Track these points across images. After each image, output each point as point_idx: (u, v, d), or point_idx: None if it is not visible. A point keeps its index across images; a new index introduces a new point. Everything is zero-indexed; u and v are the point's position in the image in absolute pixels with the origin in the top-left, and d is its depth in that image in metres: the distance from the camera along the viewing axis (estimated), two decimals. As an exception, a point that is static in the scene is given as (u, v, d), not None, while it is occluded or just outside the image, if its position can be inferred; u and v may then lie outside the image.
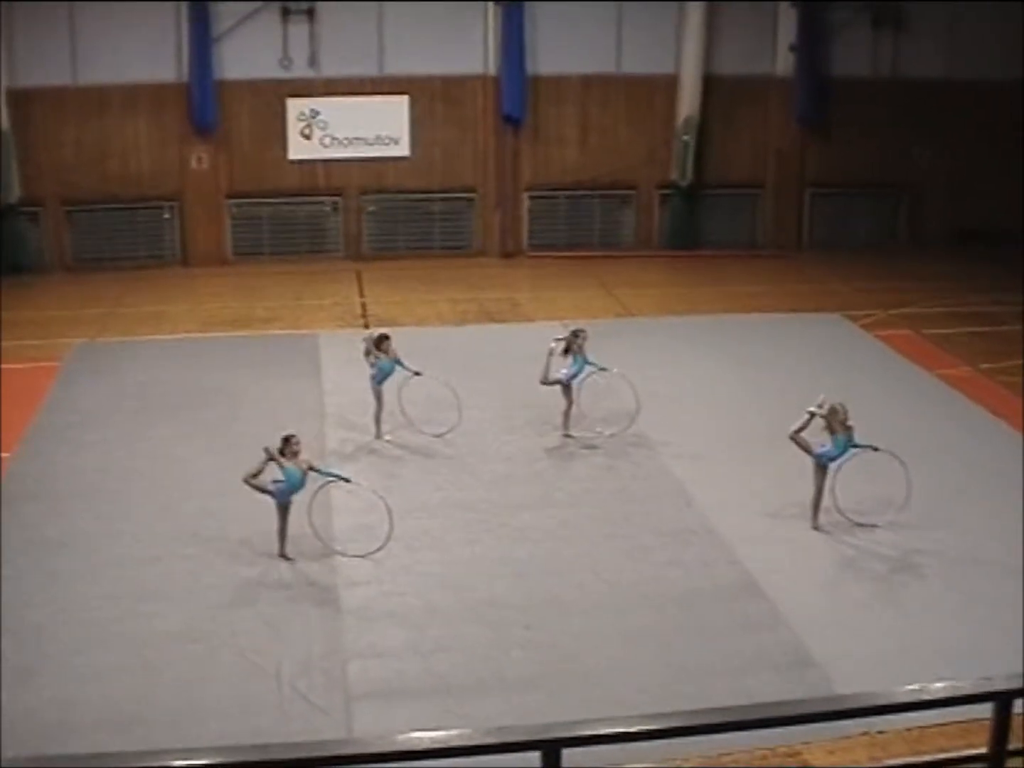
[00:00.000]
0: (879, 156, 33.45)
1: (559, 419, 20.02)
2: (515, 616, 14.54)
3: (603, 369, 19.88)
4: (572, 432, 19.96)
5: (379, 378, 19.54)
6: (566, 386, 19.76)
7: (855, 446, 16.35)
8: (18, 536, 16.08)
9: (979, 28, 32.44)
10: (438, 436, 19.64)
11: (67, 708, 12.55)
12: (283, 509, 15.61)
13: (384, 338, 19.77)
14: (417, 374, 19.59)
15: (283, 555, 15.71)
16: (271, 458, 15.49)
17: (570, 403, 19.89)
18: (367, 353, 19.66)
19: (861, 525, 16.62)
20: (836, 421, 16.27)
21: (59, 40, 29.76)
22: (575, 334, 19.82)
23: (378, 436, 19.79)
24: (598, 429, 19.96)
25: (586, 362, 19.70)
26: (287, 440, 15.54)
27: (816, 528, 16.61)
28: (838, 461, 16.37)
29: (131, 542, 16.20)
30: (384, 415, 19.80)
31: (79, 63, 30.10)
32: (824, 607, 14.87)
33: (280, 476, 15.49)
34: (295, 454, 15.52)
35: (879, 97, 33.17)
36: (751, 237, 34.51)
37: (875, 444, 16.54)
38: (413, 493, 17.92)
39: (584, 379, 19.80)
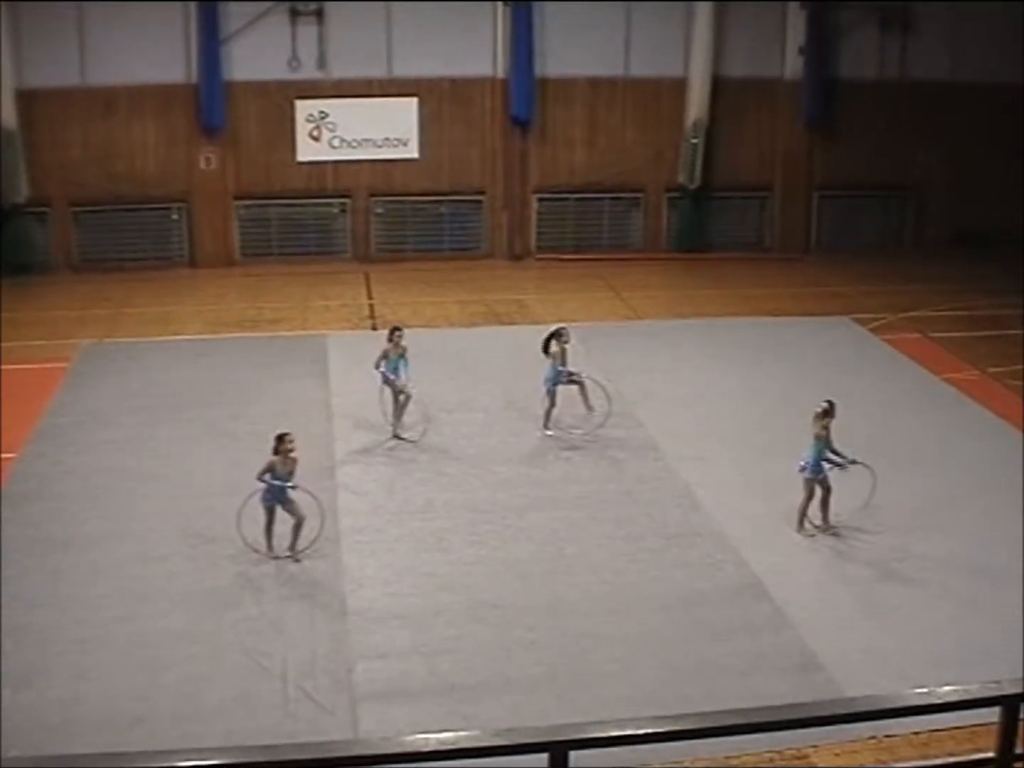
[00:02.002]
0: (886, 158, 33.42)
1: (565, 421, 20.04)
2: (520, 617, 14.54)
3: (573, 376, 19.97)
4: (550, 430, 20.01)
5: (391, 374, 19.49)
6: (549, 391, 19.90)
7: (829, 460, 16.30)
8: (23, 536, 16.11)
9: (986, 31, 32.41)
10: (410, 440, 19.69)
11: (70, 707, 12.57)
12: (270, 509, 15.63)
13: (396, 330, 19.72)
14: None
15: (267, 550, 15.72)
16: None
17: (551, 404, 19.97)
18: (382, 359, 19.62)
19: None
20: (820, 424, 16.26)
21: (67, 40, 29.77)
22: (558, 334, 19.82)
23: (396, 435, 19.74)
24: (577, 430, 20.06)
25: (559, 368, 19.76)
26: (281, 438, 15.51)
27: (824, 531, 16.59)
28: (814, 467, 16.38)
29: (136, 542, 16.22)
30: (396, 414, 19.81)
31: (87, 63, 30.10)
32: (830, 609, 14.85)
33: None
34: (288, 452, 15.49)
35: (886, 99, 33.15)
36: (759, 240, 34.49)
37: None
38: (418, 494, 17.93)
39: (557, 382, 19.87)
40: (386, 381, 19.59)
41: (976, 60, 32.49)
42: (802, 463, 16.33)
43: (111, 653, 13.62)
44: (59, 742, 11.70)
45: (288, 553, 15.71)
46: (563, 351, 19.78)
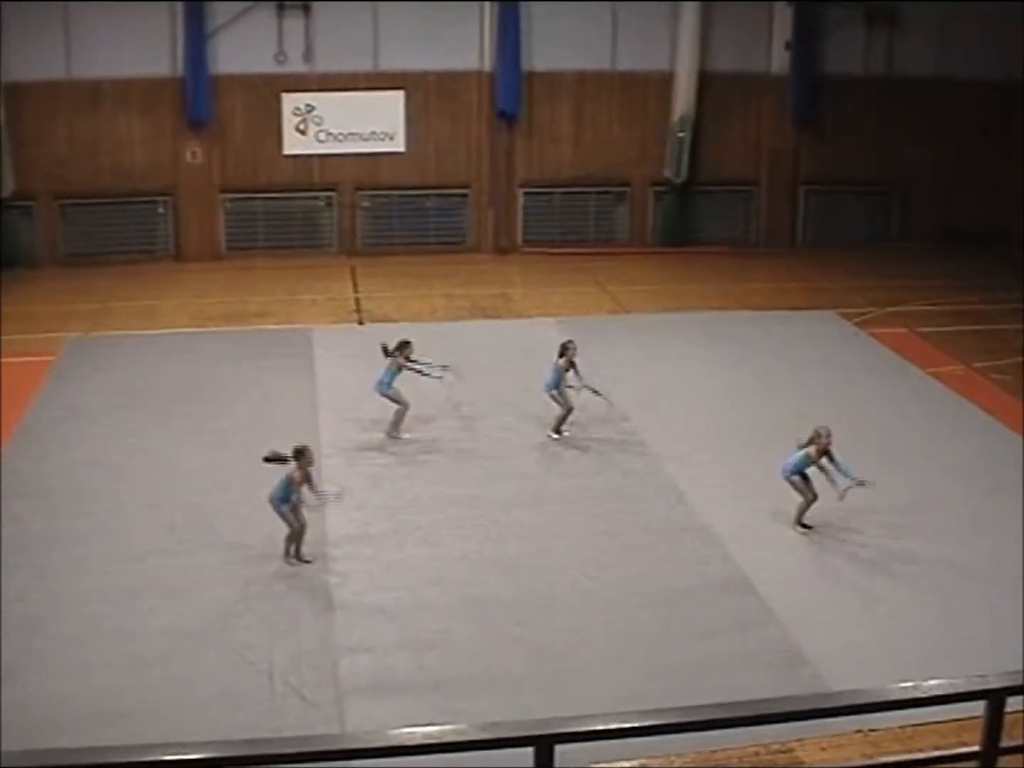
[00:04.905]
0: (872, 154, 33.48)
1: (555, 417, 19.99)
2: (506, 612, 14.54)
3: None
4: (556, 435, 19.98)
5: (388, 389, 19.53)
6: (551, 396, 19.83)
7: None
8: (8, 531, 16.04)
9: (972, 27, 32.42)
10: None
11: (57, 703, 12.53)
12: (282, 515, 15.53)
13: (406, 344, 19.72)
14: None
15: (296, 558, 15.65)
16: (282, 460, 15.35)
17: (567, 408, 19.89)
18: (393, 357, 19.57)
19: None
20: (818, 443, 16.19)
21: (53, 33, 29.68)
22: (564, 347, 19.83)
23: (394, 435, 19.76)
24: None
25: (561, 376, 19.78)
26: (303, 452, 15.41)
27: (807, 527, 16.59)
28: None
29: (122, 538, 16.18)
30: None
31: (73, 57, 30.02)
32: (815, 605, 14.87)
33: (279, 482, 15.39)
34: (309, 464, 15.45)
35: (873, 95, 33.19)
36: (745, 234, 34.52)
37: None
38: (405, 488, 17.92)
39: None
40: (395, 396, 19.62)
41: (963, 57, 32.50)
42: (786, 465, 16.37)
43: (97, 649, 13.58)
44: (45, 737, 11.65)
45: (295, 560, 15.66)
46: (571, 364, 19.70)
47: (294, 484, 15.25)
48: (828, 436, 16.07)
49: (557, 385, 19.67)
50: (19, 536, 16.03)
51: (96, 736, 11.62)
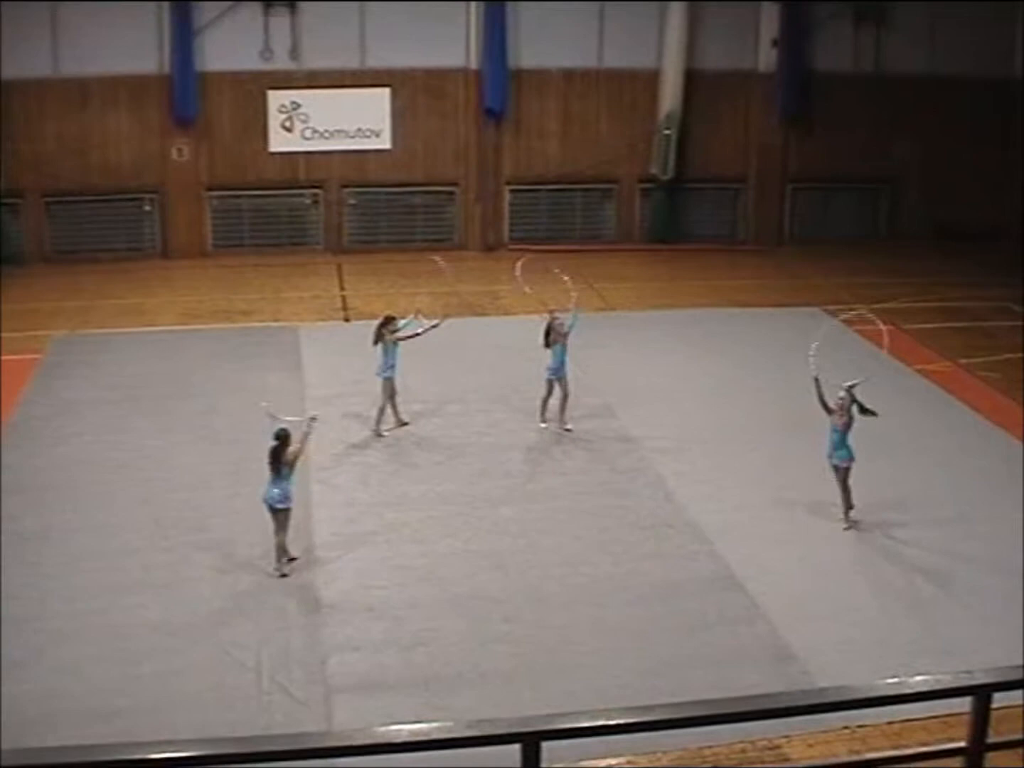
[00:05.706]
0: (861, 151, 33.52)
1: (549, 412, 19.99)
2: (494, 609, 14.56)
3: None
4: (544, 423, 19.94)
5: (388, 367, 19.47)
6: (548, 380, 19.73)
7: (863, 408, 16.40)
8: (-2, 529, 16.05)
9: (960, 25, 32.53)
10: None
11: (47, 700, 12.54)
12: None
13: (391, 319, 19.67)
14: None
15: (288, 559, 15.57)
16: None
17: (548, 394, 19.83)
18: (377, 340, 19.51)
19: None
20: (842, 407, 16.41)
21: (41, 31, 29.60)
22: (554, 319, 19.74)
23: (377, 433, 19.71)
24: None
25: (564, 352, 19.62)
26: (286, 436, 15.32)
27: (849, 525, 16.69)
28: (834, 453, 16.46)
29: (111, 534, 16.18)
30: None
31: (61, 54, 29.95)
32: (803, 601, 14.89)
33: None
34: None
35: (861, 92, 33.22)
36: (732, 231, 34.57)
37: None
38: (393, 486, 17.93)
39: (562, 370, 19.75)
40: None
41: (952, 54, 32.58)
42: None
43: (88, 645, 13.60)
44: (36, 735, 11.67)
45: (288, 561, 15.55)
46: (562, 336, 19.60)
47: (285, 468, 15.15)
48: (846, 396, 16.32)
49: (562, 367, 19.62)
50: (8, 532, 16.01)
51: (87, 733, 11.62)
